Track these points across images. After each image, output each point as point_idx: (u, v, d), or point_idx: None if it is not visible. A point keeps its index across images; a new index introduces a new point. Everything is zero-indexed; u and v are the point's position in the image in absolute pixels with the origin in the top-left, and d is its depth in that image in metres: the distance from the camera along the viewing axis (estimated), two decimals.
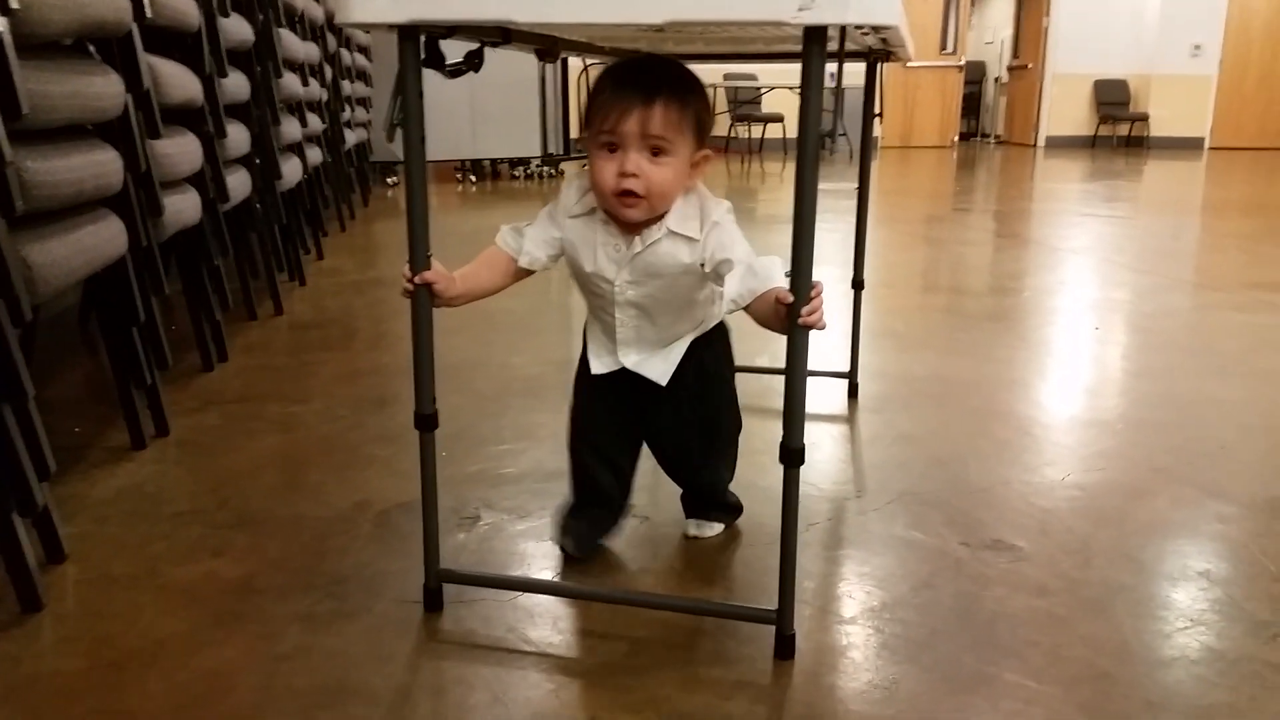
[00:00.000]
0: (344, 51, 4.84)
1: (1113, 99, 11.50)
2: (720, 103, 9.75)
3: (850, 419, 1.97)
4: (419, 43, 1.06)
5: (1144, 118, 11.30)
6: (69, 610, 1.23)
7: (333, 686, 1.08)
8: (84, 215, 1.56)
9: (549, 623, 1.22)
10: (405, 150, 1.11)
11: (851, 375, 2.10)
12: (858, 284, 2.04)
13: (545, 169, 7.44)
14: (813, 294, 1.01)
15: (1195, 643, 1.17)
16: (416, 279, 1.13)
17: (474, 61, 1.15)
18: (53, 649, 1.15)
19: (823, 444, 1.83)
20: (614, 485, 1.40)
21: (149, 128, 1.85)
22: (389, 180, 6.78)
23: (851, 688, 1.08)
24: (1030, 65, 11.87)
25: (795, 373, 1.04)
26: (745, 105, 9.60)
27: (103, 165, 1.60)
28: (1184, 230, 5.04)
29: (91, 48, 1.68)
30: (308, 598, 1.26)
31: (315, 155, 3.76)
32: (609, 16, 0.96)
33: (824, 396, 2.07)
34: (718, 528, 1.45)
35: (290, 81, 3.22)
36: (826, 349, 2.17)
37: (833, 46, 0.96)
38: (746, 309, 1.14)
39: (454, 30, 1.08)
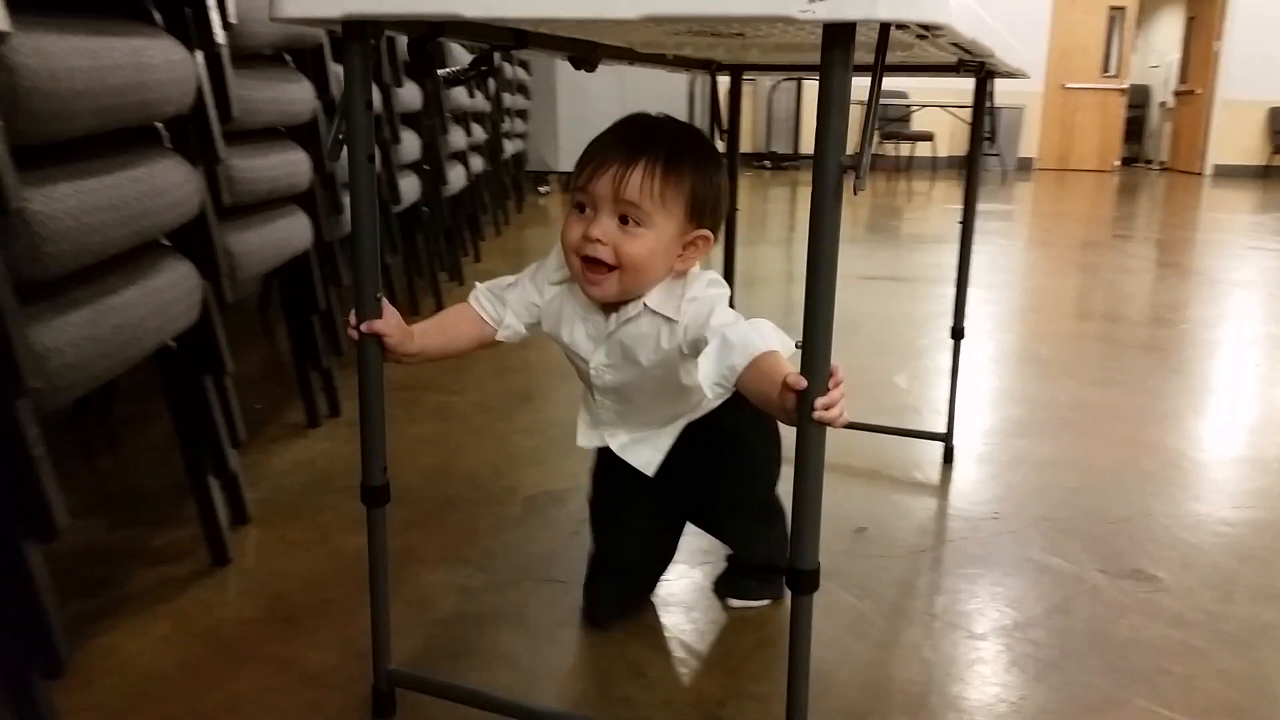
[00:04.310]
0: (505, 65, 5.04)
1: None
2: None
3: (989, 443, 1.96)
4: (365, 44, 0.86)
5: None
6: (251, 566, 1.36)
7: (485, 650, 1.17)
8: (276, 210, 1.71)
9: None
10: (350, 171, 0.88)
11: (948, 438, 1.84)
12: (957, 333, 1.76)
13: None
14: (831, 382, 0.77)
15: None
16: (363, 327, 0.93)
17: (480, 68, 1.01)
18: (237, 599, 1.27)
19: (961, 464, 1.83)
20: (639, 551, 1.28)
21: None
22: (540, 189, 6.99)
23: (977, 700, 1.10)
24: (1199, 91, 11.32)
25: (807, 478, 0.78)
26: (894, 123, 9.49)
27: (294, 165, 1.75)
28: None
29: (288, 57, 1.84)
30: (462, 570, 1.36)
31: (477, 163, 3.94)
32: (569, 11, 0.77)
33: (965, 418, 2.05)
34: (761, 602, 1.29)
35: (458, 94, 3.39)
36: (920, 403, 2.08)
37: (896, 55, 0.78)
38: (741, 389, 0.93)
39: (441, 30, 0.89)
